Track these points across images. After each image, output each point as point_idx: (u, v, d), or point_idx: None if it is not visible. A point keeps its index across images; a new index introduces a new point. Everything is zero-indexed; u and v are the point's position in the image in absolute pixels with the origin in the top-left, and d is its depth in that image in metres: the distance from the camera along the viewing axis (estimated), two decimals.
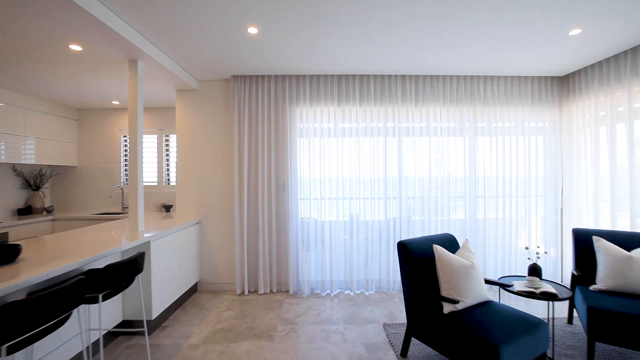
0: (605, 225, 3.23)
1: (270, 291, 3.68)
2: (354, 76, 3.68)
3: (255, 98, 3.66)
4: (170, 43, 2.78)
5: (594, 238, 2.59)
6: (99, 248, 2.20)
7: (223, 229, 3.80)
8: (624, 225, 3.05)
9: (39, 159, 4.16)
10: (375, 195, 3.74)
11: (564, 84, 3.75)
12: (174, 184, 4.74)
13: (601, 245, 2.51)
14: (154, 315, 2.74)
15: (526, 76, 3.74)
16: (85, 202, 4.77)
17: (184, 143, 3.83)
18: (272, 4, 2.20)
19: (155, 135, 4.78)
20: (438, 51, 3.02)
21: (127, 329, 2.64)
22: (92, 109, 4.80)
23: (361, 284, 3.74)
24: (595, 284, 2.51)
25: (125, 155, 4.83)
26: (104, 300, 2.02)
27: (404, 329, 2.78)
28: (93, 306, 2.28)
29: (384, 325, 2.86)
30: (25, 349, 1.74)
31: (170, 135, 4.79)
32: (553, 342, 2.26)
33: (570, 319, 2.82)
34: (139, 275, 2.37)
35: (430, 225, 3.74)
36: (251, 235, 3.68)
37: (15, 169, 4.20)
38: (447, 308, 2.07)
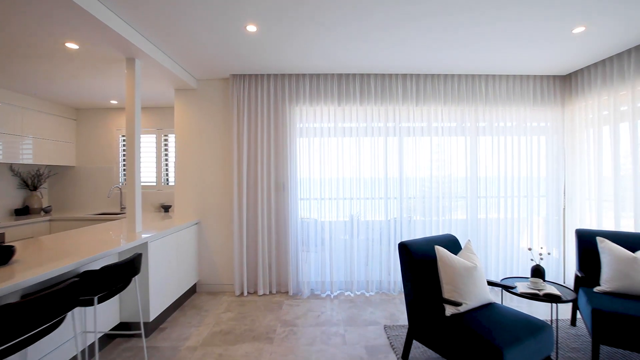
0: (609, 226, 3.19)
1: (270, 292, 3.64)
2: (354, 75, 3.64)
3: (255, 97, 3.63)
4: (168, 41, 2.74)
5: (598, 239, 2.55)
6: (96, 249, 2.17)
7: (222, 229, 3.77)
8: (627, 225, 3.01)
9: (37, 158, 4.12)
10: (376, 195, 3.70)
11: (567, 83, 3.71)
12: (173, 184, 4.70)
13: (605, 246, 2.48)
14: (152, 317, 2.70)
15: (528, 75, 3.70)
16: (84, 202, 4.73)
17: (182, 143, 3.79)
18: (271, 1, 2.16)
19: (154, 135, 4.74)
20: (439, 50, 2.99)
21: (125, 331, 2.61)
22: (91, 108, 4.76)
23: (361, 285, 3.71)
24: (599, 285, 2.48)
25: (124, 155, 4.79)
26: (99, 302, 1.98)
27: (405, 331, 2.74)
28: (89, 308, 2.24)
29: (385, 327, 2.82)
30: (18, 352, 1.70)
31: (169, 135, 4.75)
32: (557, 345, 2.22)
33: (573, 321, 2.79)
34: (136, 276, 2.33)
35: (431, 226, 3.70)
36: (250, 235, 3.65)
37: (12, 169, 4.16)
38: (450, 310, 2.03)
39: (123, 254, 2.66)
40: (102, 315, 2.47)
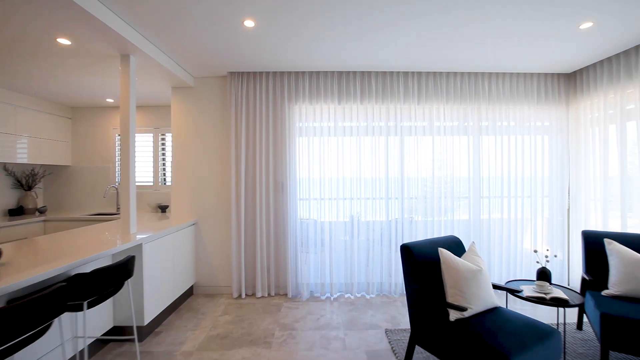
0: (615, 227, 3.12)
1: (268, 294, 3.56)
2: (354, 73, 3.56)
3: (253, 95, 3.55)
4: (163, 36, 2.66)
5: (606, 241, 2.48)
6: (89, 251, 2.09)
7: (220, 230, 3.69)
8: (634, 226, 2.94)
9: (32, 158, 4.04)
10: (377, 195, 3.63)
11: (571, 81, 3.64)
12: (171, 184, 4.62)
13: (613, 248, 2.40)
14: (146, 320, 2.63)
15: (532, 73, 3.62)
16: (79, 202, 4.65)
17: (179, 142, 3.71)
18: None
19: (151, 134, 4.67)
20: (441, 47, 2.91)
21: (118, 335, 2.53)
22: (86, 107, 4.69)
23: (362, 286, 3.63)
24: (607, 288, 2.41)
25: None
26: (90, 307, 1.91)
27: (406, 335, 2.67)
28: (80, 313, 2.17)
29: (386, 331, 2.75)
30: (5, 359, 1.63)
31: (166, 134, 4.67)
32: (564, 351, 2.14)
33: (579, 325, 2.71)
34: (130, 279, 2.25)
35: (433, 226, 3.63)
36: (249, 236, 3.57)
37: (6, 168, 4.08)
38: (454, 315, 1.96)
39: (117, 256, 2.58)
40: (95, 320, 2.39)
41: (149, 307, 2.67)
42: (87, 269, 2.22)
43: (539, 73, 3.63)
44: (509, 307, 3.15)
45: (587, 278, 2.52)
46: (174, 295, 3.11)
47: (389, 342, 2.56)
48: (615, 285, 2.32)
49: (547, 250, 2.72)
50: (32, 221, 3.80)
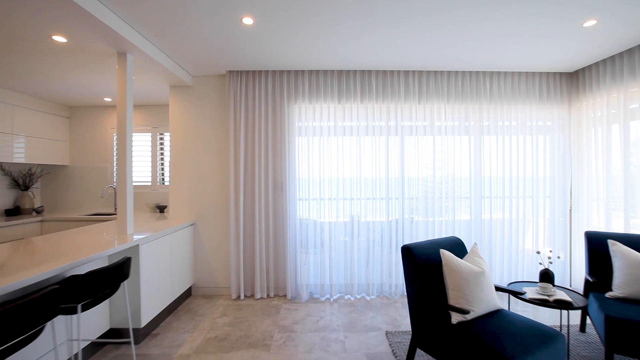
0: (618, 228, 3.08)
1: (268, 296, 3.53)
2: (354, 71, 3.52)
3: (252, 94, 3.51)
4: (160, 33, 2.62)
5: (610, 242, 2.44)
6: (84, 252, 2.05)
7: (218, 230, 3.65)
8: (637, 227, 2.90)
9: (29, 158, 4.00)
10: (377, 195, 3.59)
11: (574, 80, 3.60)
12: (169, 184, 4.58)
13: (617, 250, 2.37)
14: (143, 322, 2.59)
15: (534, 72, 3.59)
16: (77, 202, 4.61)
17: (177, 141, 3.67)
18: None
19: (150, 134, 4.63)
20: (442, 46, 2.87)
21: (115, 338, 2.49)
22: (84, 106, 4.64)
23: (362, 288, 3.59)
24: (611, 290, 2.37)
25: None
26: (85, 310, 1.87)
27: (407, 337, 2.63)
28: (74, 316, 2.13)
29: (387, 333, 2.71)
30: None
31: (164, 134, 4.63)
32: (568, 354, 2.11)
33: (582, 327, 2.68)
34: (126, 281, 2.22)
35: (434, 227, 3.59)
36: (247, 237, 3.53)
37: (2, 168, 4.04)
38: (456, 318, 1.92)
39: (113, 257, 2.54)
40: (90, 322, 2.35)
41: (146, 308, 2.63)
42: (83, 270, 2.18)
43: (541, 72, 3.59)
44: (510, 309, 3.12)
45: (591, 280, 2.49)
46: (171, 296, 3.07)
47: (390, 345, 2.52)
48: (619, 287, 2.28)
49: (550, 251, 2.68)
50: (29, 221, 3.76)
